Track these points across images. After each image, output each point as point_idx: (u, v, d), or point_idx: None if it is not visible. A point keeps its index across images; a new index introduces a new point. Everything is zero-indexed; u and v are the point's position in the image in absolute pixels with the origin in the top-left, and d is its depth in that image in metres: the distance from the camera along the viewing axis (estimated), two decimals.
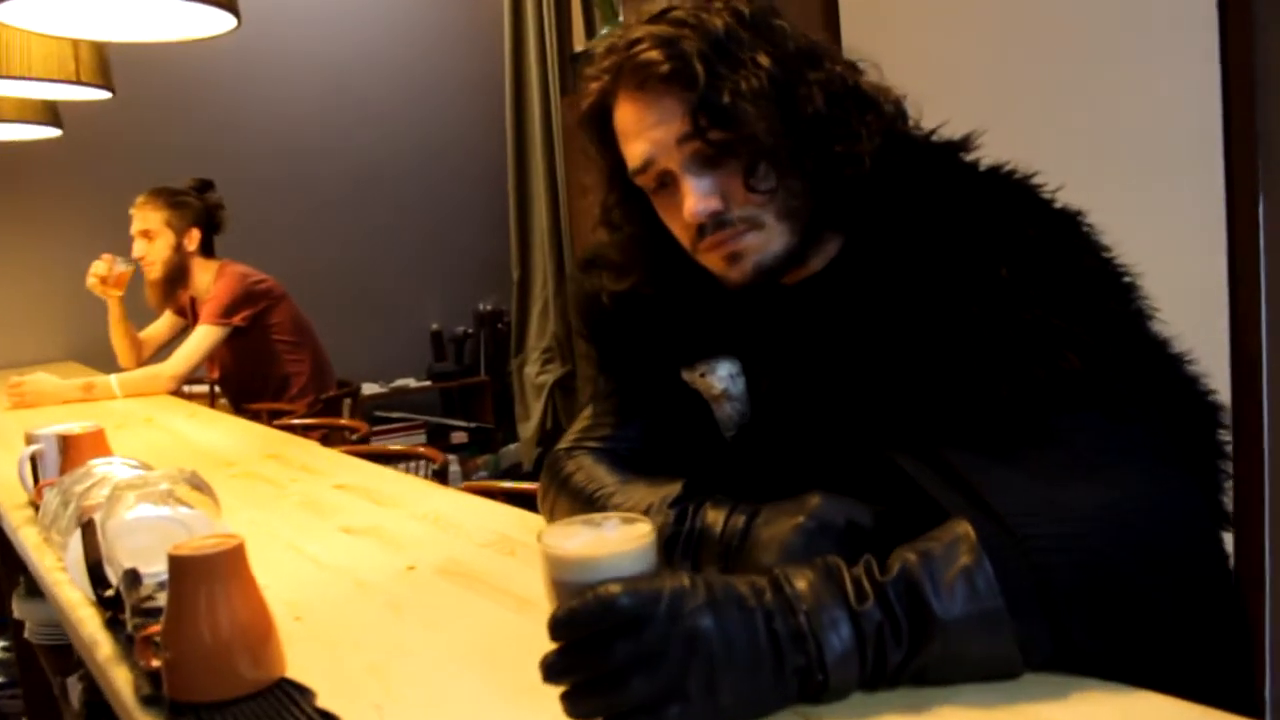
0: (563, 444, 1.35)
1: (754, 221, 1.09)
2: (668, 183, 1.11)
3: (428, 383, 5.46)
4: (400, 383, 5.36)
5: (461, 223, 5.60)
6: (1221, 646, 0.87)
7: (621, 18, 3.83)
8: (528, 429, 5.41)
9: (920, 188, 1.08)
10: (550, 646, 0.78)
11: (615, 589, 0.77)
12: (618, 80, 1.11)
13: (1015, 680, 0.82)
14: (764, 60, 1.06)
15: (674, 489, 1.13)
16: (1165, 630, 0.84)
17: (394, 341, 5.43)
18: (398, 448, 2.50)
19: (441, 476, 2.28)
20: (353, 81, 5.29)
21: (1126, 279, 1.03)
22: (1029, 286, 0.98)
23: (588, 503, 1.22)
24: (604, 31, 3.93)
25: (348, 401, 3.73)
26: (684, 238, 1.14)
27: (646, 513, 1.12)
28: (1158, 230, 1.69)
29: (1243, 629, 0.88)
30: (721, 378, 1.21)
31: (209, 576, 0.89)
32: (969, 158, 1.12)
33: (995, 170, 1.11)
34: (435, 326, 5.59)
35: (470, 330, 5.67)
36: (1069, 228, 1.05)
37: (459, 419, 5.55)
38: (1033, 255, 1.01)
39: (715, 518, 1.08)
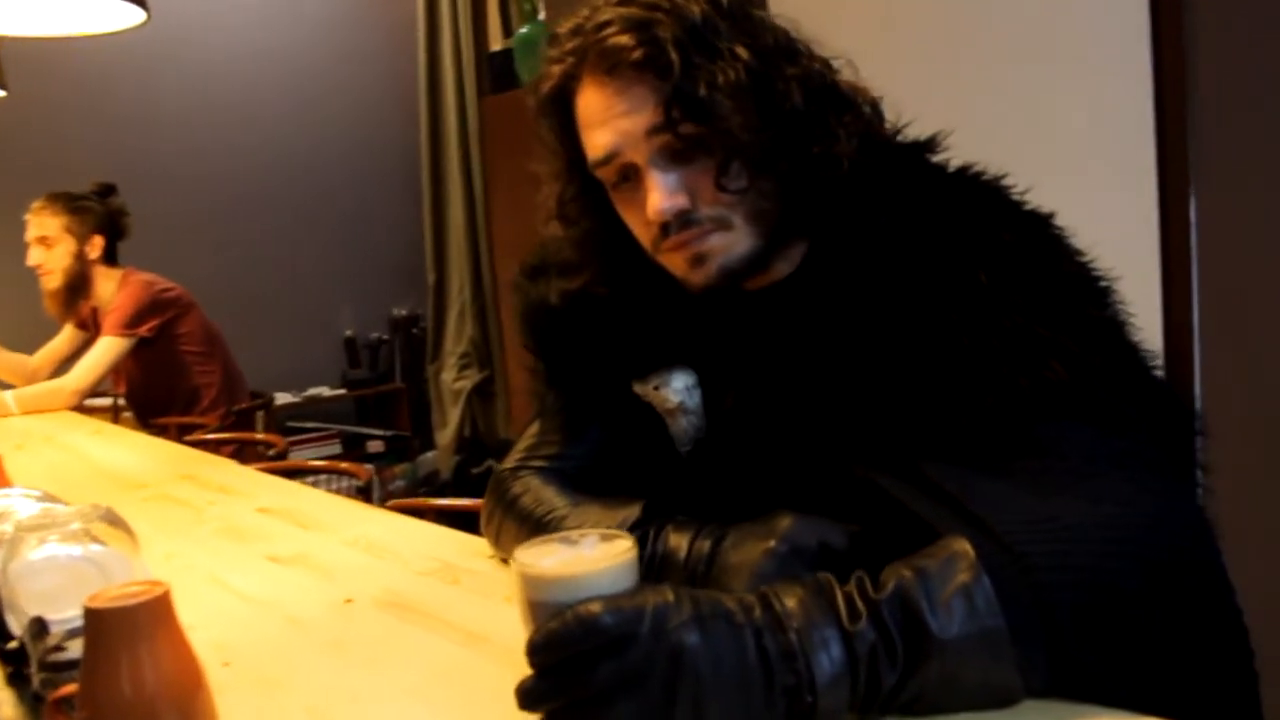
0: (507, 463, 1.28)
1: (721, 222, 1.02)
2: (630, 177, 1.04)
3: (342, 391, 5.32)
4: (313, 391, 5.21)
5: (375, 226, 5.47)
6: (1225, 665, 0.83)
7: (542, 16, 3.75)
8: (445, 436, 5.30)
9: (889, 189, 1.03)
10: (524, 672, 0.72)
11: (596, 607, 0.73)
12: (583, 63, 1.04)
13: (1013, 707, 0.77)
14: (742, 52, 1.00)
15: (632, 511, 1.07)
16: (1167, 647, 0.79)
17: (307, 349, 5.28)
18: (319, 463, 2.39)
19: (366, 494, 2.18)
20: (261, 81, 5.13)
21: (1103, 283, 0.99)
22: (1009, 293, 0.94)
23: (537, 526, 1.15)
24: (523, 30, 3.84)
25: (261, 413, 3.59)
26: (645, 236, 1.07)
27: None
28: (1091, 230, 1.67)
29: (1245, 646, 0.83)
30: (677, 390, 1.15)
31: (131, 631, 0.79)
32: (937, 158, 1.07)
33: (964, 171, 1.07)
34: (349, 333, 5.46)
35: (385, 336, 5.54)
36: (1043, 231, 1.01)
37: (375, 427, 5.42)
38: (1011, 260, 0.97)
39: (678, 542, 1.02)
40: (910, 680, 0.75)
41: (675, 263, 1.06)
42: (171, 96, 4.88)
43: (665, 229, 1.02)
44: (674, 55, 0.97)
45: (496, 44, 4.75)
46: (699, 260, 1.04)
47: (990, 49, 2.26)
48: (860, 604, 0.77)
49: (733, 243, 1.03)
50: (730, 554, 0.98)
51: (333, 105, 5.32)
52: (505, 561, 1.25)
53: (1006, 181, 1.07)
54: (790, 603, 0.77)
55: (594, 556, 0.80)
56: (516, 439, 1.31)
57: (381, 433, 5.34)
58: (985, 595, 0.76)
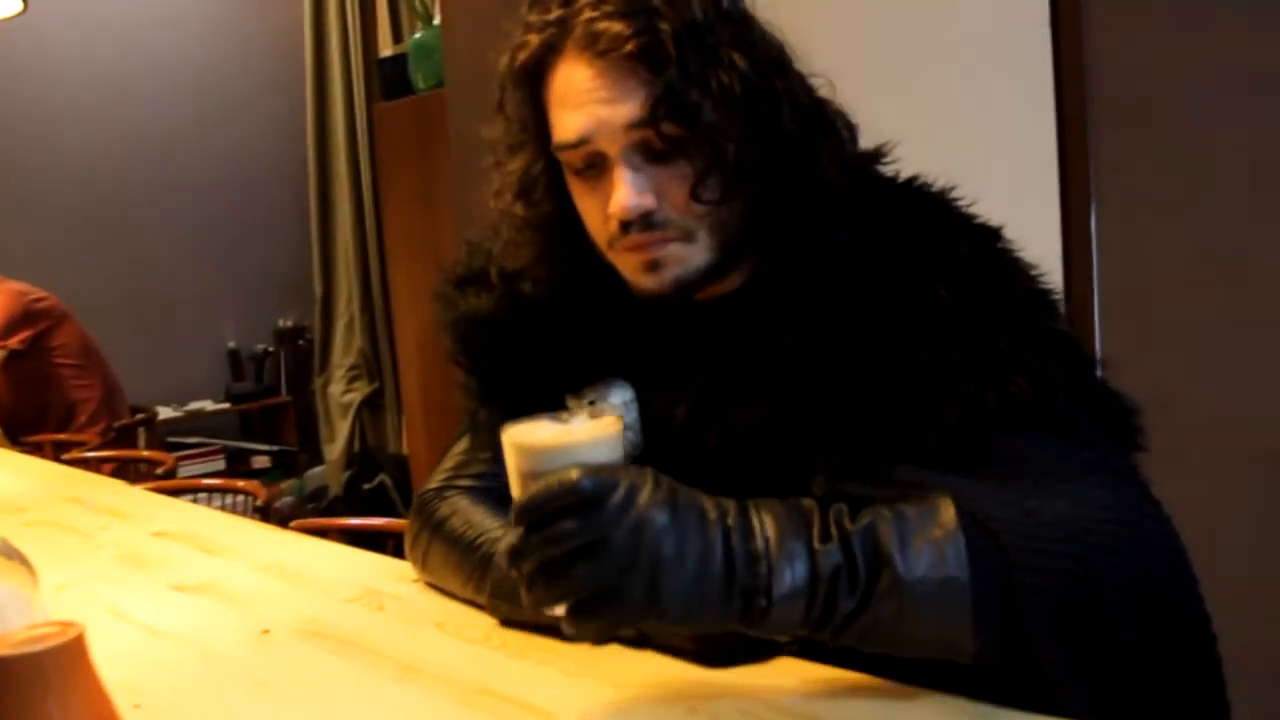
0: (432, 483, 1.22)
1: (685, 231, 0.97)
2: (597, 165, 0.98)
3: (226, 405, 5.15)
4: (195, 405, 5.04)
5: (260, 235, 5.31)
6: (1196, 681, 0.82)
7: (437, 20, 3.68)
8: (334, 451, 5.17)
9: (842, 200, 1.00)
10: (462, 704, 0.66)
11: (575, 473, 0.75)
12: (567, 37, 0.96)
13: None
14: (739, 60, 0.94)
15: None
16: (1136, 656, 0.78)
17: (188, 362, 5.10)
18: (214, 481, 2.27)
19: (264, 514, 2.09)
20: (140, 85, 4.94)
21: (1055, 296, 0.98)
22: (969, 307, 0.93)
23: (469, 550, 1.10)
24: (417, 36, 3.75)
25: (143, 429, 3.43)
26: (600, 231, 1.01)
27: None
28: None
29: (1215, 661, 0.83)
30: (614, 405, 1.10)
31: (41, 680, 0.72)
32: (887, 170, 1.05)
33: (912, 183, 1.05)
34: (232, 345, 5.29)
35: (270, 348, 5.39)
36: (995, 245, 1.00)
37: (260, 442, 5.26)
38: (968, 275, 0.95)
39: None
40: (865, 611, 0.76)
41: (627, 264, 1.01)
42: (41, 95, 4.66)
43: (625, 227, 0.97)
44: (672, 50, 0.92)
45: (387, 49, 4.64)
46: (653, 266, 0.99)
47: (893, 52, 2.27)
48: (833, 529, 0.78)
49: (691, 254, 0.99)
50: None
51: (214, 109, 5.15)
52: (432, 586, 1.19)
53: (955, 193, 1.05)
54: (766, 515, 0.78)
55: (582, 431, 0.82)
56: (441, 458, 1.26)
57: (267, 448, 5.18)
58: (957, 550, 0.77)
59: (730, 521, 0.77)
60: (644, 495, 0.75)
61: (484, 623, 1.07)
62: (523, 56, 0.99)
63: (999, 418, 0.88)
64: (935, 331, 0.92)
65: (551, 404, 1.12)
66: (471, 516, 1.13)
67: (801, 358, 0.97)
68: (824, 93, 1.03)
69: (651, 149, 0.95)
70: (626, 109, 0.93)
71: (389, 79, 4.03)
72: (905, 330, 0.93)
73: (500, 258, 1.14)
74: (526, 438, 0.81)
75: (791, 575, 0.75)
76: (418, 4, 3.87)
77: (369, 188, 4.96)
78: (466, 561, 1.10)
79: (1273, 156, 1.84)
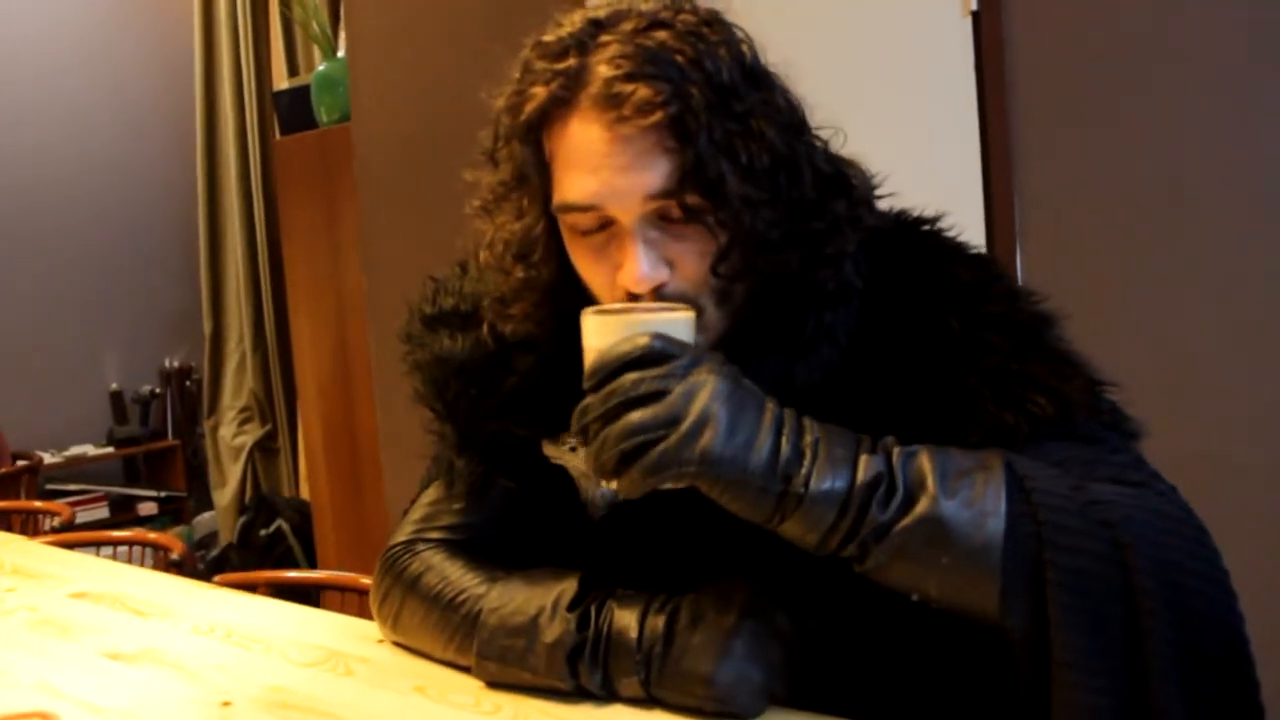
0: (399, 536, 1.15)
1: (694, 304, 0.90)
2: (604, 227, 0.91)
3: (109, 449, 4.92)
4: (76, 450, 4.80)
5: (145, 271, 5.11)
6: (1230, 689, 0.79)
7: (341, 53, 3.59)
8: (224, 496, 4.99)
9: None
10: None
11: (645, 337, 0.80)
12: (580, 90, 0.88)
13: None
14: (767, 128, 0.88)
15: (566, 587, 0.97)
16: (1165, 649, 0.75)
17: (67, 404, 4.86)
18: (123, 535, 2.13)
19: (180, 569, 1.96)
20: (13, 113, 4.69)
21: (1057, 316, 0.97)
22: (978, 332, 0.92)
23: (450, 609, 1.03)
24: (321, 68, 3.65)
25: (25, 477, 3.23)
26: (603, 292, 0.94)
27: (537, 618, 0.96)
28: None
29: (1250, 672, 0.80)
30: None
31: None
32: (883, 202, 1.03)
33: (903, 216, 1.04)
34: (115, 386, 5.07)
35: (156, 389, 5.17)
36: (991, 271, 0.99)
37: (146, 488, 5.02)
38: (972, 301, 0.94)
39: (627, 620, 0.93)
40: (897, 526, 0.77)
41: None
42: None
43: (633, 298, 0.91)
44: (702, 120, 0.85)
45: (283, 82, 4.52)
46: None
47: (815, 51, 2.29)
48: (879, 447, 0.81)
49: (699, 332, 0.91)
50: (691, 634, 0.90)
51: (99, 139, 4.95)
52: (402, 646, 1.12)
53: (940, 223, 1.04)
54: (818, 425, 0.81)
55: (658, 314, 0.85)
56: (408, 509, 1.18)
57: (153, 494, 4.96)
58: (996, 494, 0.78)
59: (785, 416, 0.80)
60: (709, 365, 0.80)
61: (469, 684, 1.00)
62: (529, 109, 0.91)
63: (1018, 436, 0.87)
64: (948, 359, 0.92)
65: (531, 450, 1.06)
66: (448, 572, 1.06)
67: (813, 392, 0.94)
68: (835, 144, 0.98)
69: (668, 218, 0.89)
70: (647, 179, 0.86)
71: (286, 113, 3.92)
72: (918, 360, 0.92)
73: (479, 298, 1.08)
74: (605, 311, 0.86)
75: (832, 475, 0.78)
76: (321, 36, 3.77)
77: (263, 223, 4.82)
78: (447, 621, 1.03)
79: (1193, 152, 1.90)
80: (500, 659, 0.97)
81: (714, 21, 0.91)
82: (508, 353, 1.05)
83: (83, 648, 1.23)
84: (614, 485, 0.81)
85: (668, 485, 0.80)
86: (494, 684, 0.99)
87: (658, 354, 0.79)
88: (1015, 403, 0.89)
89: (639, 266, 0.88)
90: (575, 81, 0.89)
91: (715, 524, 0.99)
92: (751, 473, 0.77)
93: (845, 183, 0.95)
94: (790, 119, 0.92)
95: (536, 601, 0.97)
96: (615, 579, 1.00)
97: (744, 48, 0.91)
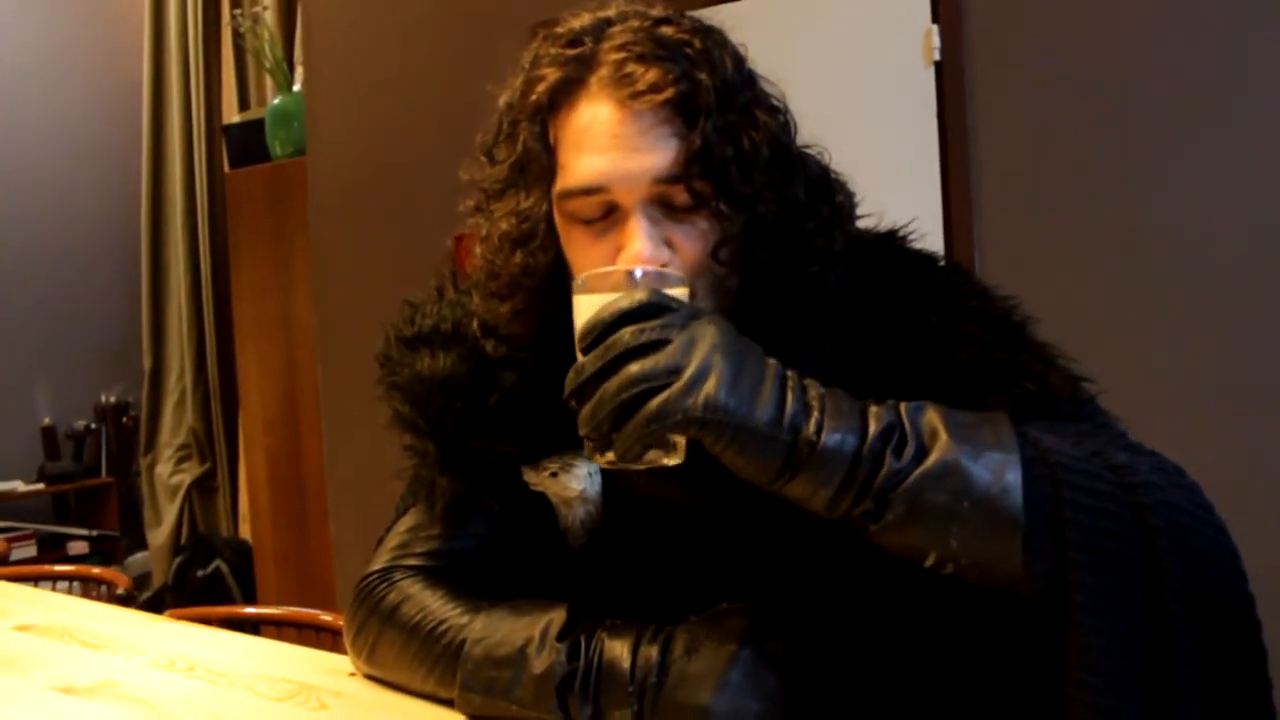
0: (375, 565, 1.11)
1: (689, 291, 0.89)
2: (607, 214, 0.91)
3: (39, 485, 4.76)
4: (4, 486, 4.65)
5: (83, 303, 4.98)
6: (1236, 638, 0.77)
7: (298, 87, 3.56)
8: (159, 536, 4.85)
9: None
10: None
11: (641, 292, 0.77)
12: (590, 74, 0.90)
13: None
14: (767, 121, 0.91)
15: (554, 617, 0.94)
16: (1180, 602, 0.73)
17: None
18: (66, 569, 2.05)
19: (126, 604, 1.89)
20: None
21: (1030, 317, 0.98)
22: (959, 325, 0.93)
23: (430, 640, 1.00)
24: (276, 102, 3.61)
25: None
26: None
27: (525, 648, 0.93)
28: None
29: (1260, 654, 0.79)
30: (580, 477, 1.03)
31: None
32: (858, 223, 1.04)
33: (877, 233, 1.05)
34: (48, 421, 4.92)
35: (91, 425, 5.03)
36: (965, 274, 1.02)
37: (77, 526, 4.86)
38: (950, 297, 0.95)
39: (619, 650, 0.90)
40: (914, 473, 0.73)
41: None
42: None
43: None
44: (712, 102, 0.87)
45: (233, 115, 4.47)
46: None
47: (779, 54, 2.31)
48: (885, 405, 0.78)
49: None
50: (687, 664, 0.87)
51: (39, 166, 4.84)
52: (375, 679, 1.08)
53: (904, 231, 1.05)
54: (817, 382, 0.78)
55: (653, 280, 0.83)
56: (383, 537, 1.15)
57: (85, 532, 4.80)
58: (1008, 440, 0.76)
59: (788, 371, 0.77)
60: (709, 317, 0.77)
61: (450, 718, 0.97)
62: (539, 89, 0.92)
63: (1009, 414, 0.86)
64: (929, 352, 0.92)
65: (513, 472, 1.04)
66: (427, 602, 1.03)
67: None
68: (824, 160, 1.00)
69: (670, 204, 0.90)
70: (654, 160, 0.87)
71: (237, 146, 3.88)
72: (901, 356, 0.93)
73: (460, 320, 1.07)
74: (591, 274, 0.84)
75: (843, 425, 0.74)
76: (277, 69, 3.74)
77: (208, 257, 4.74)
78: (428, 652, 1.00)
79: (1153, 200, 1.95)
80: (485, 691, 0.94)
81: (711, 29, 0.94)
82: (491, 370, 1.04)
83: (32, 682, 1.17)
84: (609, 457, 0.78)
85: (664, 456, 0.80)
86: (477, 718, 0.95)
87: (655, 307, 0.76)
88: (999, 386, 0.89)
89: (642, 245, 0.88)
90: (586, 65, 0.91)
91: (698, 551, 0.98)
92: (758, 421, 0.73)
93: (831, 188, 0.98)
94: (785, 120, 0.96)
95: (524, 632, 0.94)
96: (595, 608, 0.97)
97: (740, 51, 0.95)
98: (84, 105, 5.00)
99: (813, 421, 0.74)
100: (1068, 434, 0.85)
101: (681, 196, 0.89)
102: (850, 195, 1.00)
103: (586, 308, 0.80)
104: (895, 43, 2.20)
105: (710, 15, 0.98)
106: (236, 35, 4.25)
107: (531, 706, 0.92)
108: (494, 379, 1.04)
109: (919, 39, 2.17)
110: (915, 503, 0.73)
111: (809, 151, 0.99)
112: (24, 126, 4.79)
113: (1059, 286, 2.02)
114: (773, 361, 0.77)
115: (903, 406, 0.77)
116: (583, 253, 0.93)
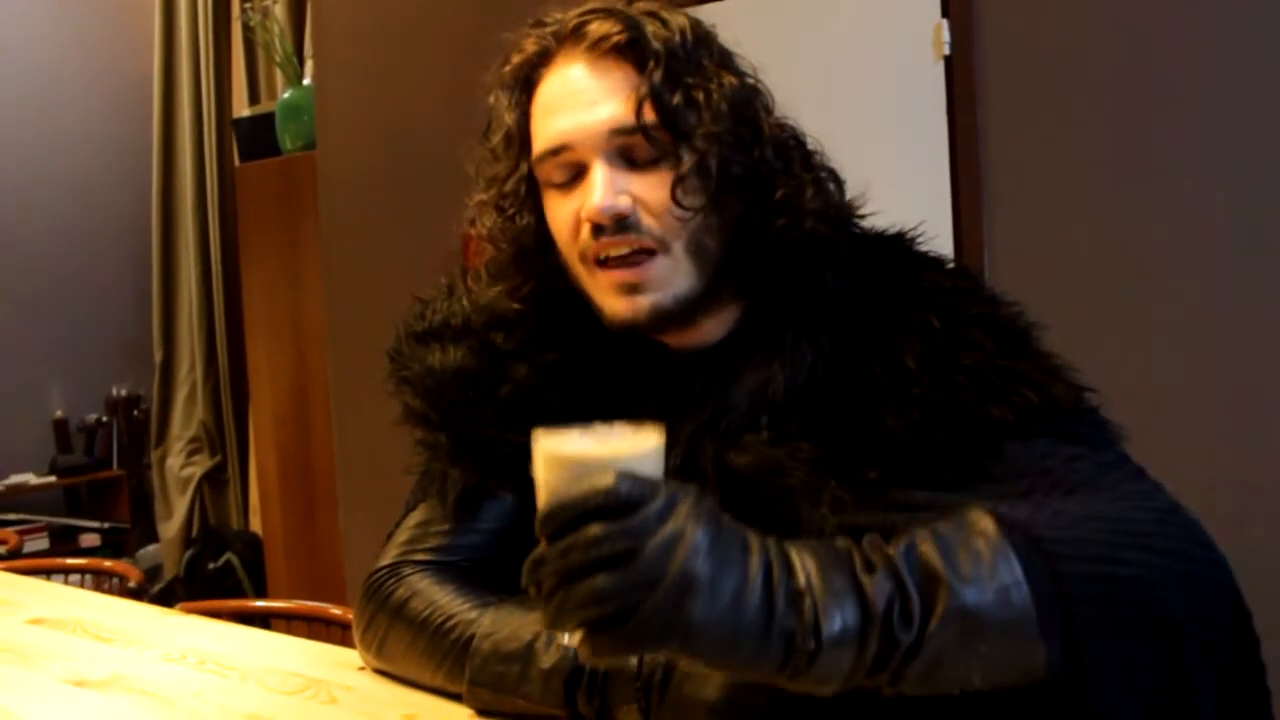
0: (384, 560, 1.12)
1: (661, 242, 0.95)
2: (574, 178, 0.97)
3: (51, 478, 4.78)
4: (17, 479, 4.66)
5: (94, 297, 5.00)
6: (1245, 679, 0.78)
7: (308, 80, 3.57)
8: (170, 529, 4.87)
9: (827, 247, 0.99)
10: None
11: (610, 476, 0.67)
12: (560, 42, 0.98)
13: None
14: (727, 78, 0.97)
15: None
16: (1186, 648, 0.74)
17: (8, 431, 4.71)
18: (78, 562, 2.06)
19: (138, 597, 1.91)
20: None
21: (1035, 324, 0.98)
22: (962, 331, 0.93)
23: (439, 635, 1.00)
24: (286, 95, 3.62)
25: None
26: (571, 247, 0.99)
27: (533, 643, 0.94)
28: None
29: (1259, 662, 0.80)
30: None
31: None
32: (864, 222, 1.05)
33: (882, 232, 1.06)
34: (59, 414, 4.93)
35: (102, 418, 5.04)
36: (971, 277, 1.01)
37: (88, 519, 4.88)
38: (955, 303, 0.95)
39: None
40: (926, 642, 0.68)
41: (603, 285, 0.98)
42: None
43: (597, 231, 0.95)
44: (659, 47, 0.94)
45: (244, 109, 4.47)
46: (632, 289, 0.96)
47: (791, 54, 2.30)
48: (875, 557, 0.71)
49: (671, 274, 0.96)
50: None
51: (51, 161, 4.84)
52: (384, 674, 1.09)
53: (912, 233, 1.06)
54: (805, 552, 0.70)
55: (625, 441, 0.74)
56: (392, 532, 1.15)
57: (96, 525, 4.82)
58: (1005, 556, 0.71)
59: (772, 555, 0.69)
60: (684, 509, 0.67)
61: (459, 713, 0.98)
62: (516, 59, 1.01)
63: (1006, 427, 0.88)
64: (933, 358, 0.92)
65: (523, 463, 1.04)
66: (436, 597, 1.04)
67: (796, 395, 0.96)
68: (813, 146, 1.03)
69: (631, 157, 0.95)
70: (609, 110, 0.94)
71: (247, 140, 3.88)
72: (902, 360, 0.92)
73: (469, 315, 1.08)
74: (561, 448, 0.73)
75: (842, 615, 0.68)
76: (287, 63, 3.75)
77: (218, 251, 4.75)
78: (436, 647, 1.00)
79: (1165, 194, 1.93)
80: (494, 686, 0.94)
81: (682, 13, 1.00)
82: (502, 362, 1.07)
83: (45, 676, 1.19)
84: (573, 641, 0.70)
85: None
86: (486, 712, 0.96)
87: (624, 501, 0.66)
88: (1001, 395, 0.89)
89: (599, 194, 0.93)
90: (556, 36, 0.99)
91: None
92: (745, 636, 0.66)
93: (809, 160, 1.02)
94: (755, 87, 1.01)
95: (532, 627, 0.95)
96: None
97: (710, 33, 1.01)
98: (95, 100, 5.01)
99: (808, 624, 0.67)
100: (1063, 457, 0.86)
101: (642, 148, 0.94)
102: (839, 181, 1.03)
103: (545, 468, 0.73)
104: (904, 37, 2.19)
105: (718, 11, 1.00)
106: (246, 29, 4.26)
107: (539, 701, 0.92)
108: (505, 370, 1.07)
109: (928, 33, 2.16)
110: (932, 665, 0.69)
111: (787, 123, 1.02)
112: (36, 121, 4.80)
113: (1071, 284, 2.01)
114: (755, 548, 0.69)
115: (897, 558, 0.71)
116: (555, 212, 1.00)
